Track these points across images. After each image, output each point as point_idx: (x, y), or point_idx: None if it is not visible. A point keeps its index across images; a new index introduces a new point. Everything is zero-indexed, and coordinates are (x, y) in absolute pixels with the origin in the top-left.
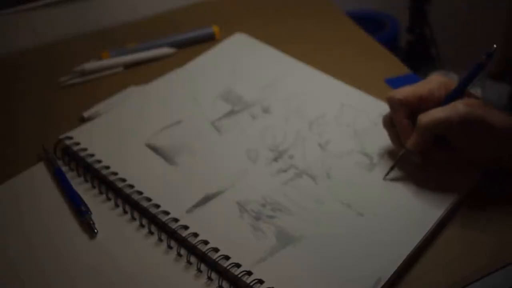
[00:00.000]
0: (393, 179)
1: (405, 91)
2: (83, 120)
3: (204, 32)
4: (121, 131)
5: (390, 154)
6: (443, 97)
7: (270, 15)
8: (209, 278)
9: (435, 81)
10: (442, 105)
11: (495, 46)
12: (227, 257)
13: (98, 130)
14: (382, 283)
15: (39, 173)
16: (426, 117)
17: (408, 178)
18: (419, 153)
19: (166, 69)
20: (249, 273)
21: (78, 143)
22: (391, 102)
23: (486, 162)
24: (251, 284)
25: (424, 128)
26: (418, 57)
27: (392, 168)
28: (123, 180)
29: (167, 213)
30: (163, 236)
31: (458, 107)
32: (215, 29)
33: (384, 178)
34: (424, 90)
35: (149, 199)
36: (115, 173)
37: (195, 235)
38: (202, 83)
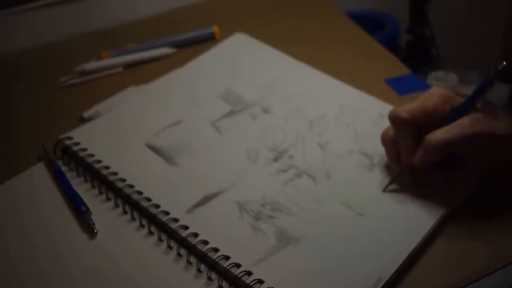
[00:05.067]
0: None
1: (410, 109)
2: (83, 120)
3: (204, 32)
4: (121, 131)
5: None
6: (447, 111)
7: (270, 15)
8: (209, 278)
9: (439, 95)
10: (446, 120)
11: (504, 63)
12: (227, 257)
13: (98, 130)
14: (382, 283)
15: (39, 173)
16: (434, 137)
17: (408, 180)
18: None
19: (166, 69)
20: (249, 273)
21: (78, 143)
22: (396, 121)
23: (491, 170)
24: (251, 284)
25: (432, 148)
26: (418, 57)
27: (391, 183)
28: (123, 180)
29: (167, 213)
30: (163, 236)
31: (465, 127)
32: (215, 29)
33: (384, 190)
34: (429, 105)
35: (149, 199)
36: (115, 173)
37: (195, 235)
38: (202, 83)
